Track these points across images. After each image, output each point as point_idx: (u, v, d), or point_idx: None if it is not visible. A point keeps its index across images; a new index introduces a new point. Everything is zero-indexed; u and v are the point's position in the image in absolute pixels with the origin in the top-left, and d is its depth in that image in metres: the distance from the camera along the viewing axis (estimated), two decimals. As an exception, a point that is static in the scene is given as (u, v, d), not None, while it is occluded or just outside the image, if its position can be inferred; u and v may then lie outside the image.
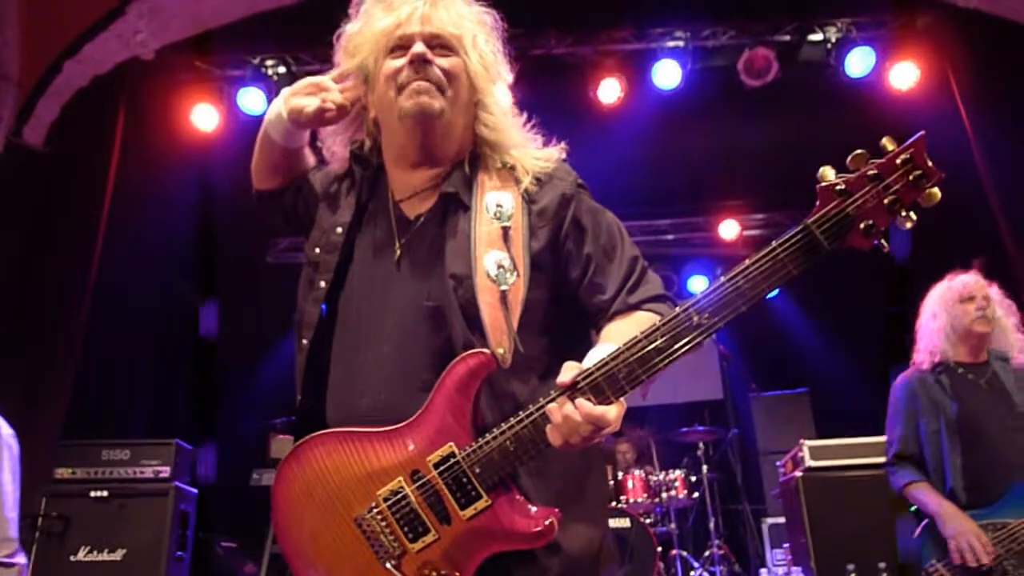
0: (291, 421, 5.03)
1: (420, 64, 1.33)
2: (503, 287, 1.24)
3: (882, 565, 3.65)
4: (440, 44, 1.36)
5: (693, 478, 5.38)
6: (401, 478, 1.23)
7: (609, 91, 5.40)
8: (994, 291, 2.77)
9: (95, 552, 4.04)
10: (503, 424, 1.19)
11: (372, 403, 1.28)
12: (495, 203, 1.32)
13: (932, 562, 2.52)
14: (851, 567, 3.75)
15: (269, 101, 5.42)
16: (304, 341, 1.37)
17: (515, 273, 1.26)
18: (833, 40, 5.16)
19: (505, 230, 1.29)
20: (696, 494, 5.33)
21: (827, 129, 5.20)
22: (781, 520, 4.62)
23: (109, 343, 6.18)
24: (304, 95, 1.40)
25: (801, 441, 4.18)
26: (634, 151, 5.68)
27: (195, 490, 4.58)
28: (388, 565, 1.23)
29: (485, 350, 1.21)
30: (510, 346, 1.22)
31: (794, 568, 4.08)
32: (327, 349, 1.36)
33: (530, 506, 1.22)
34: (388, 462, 1.24)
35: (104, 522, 4.09)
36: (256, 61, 5.33)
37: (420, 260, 1.33)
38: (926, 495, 2.60)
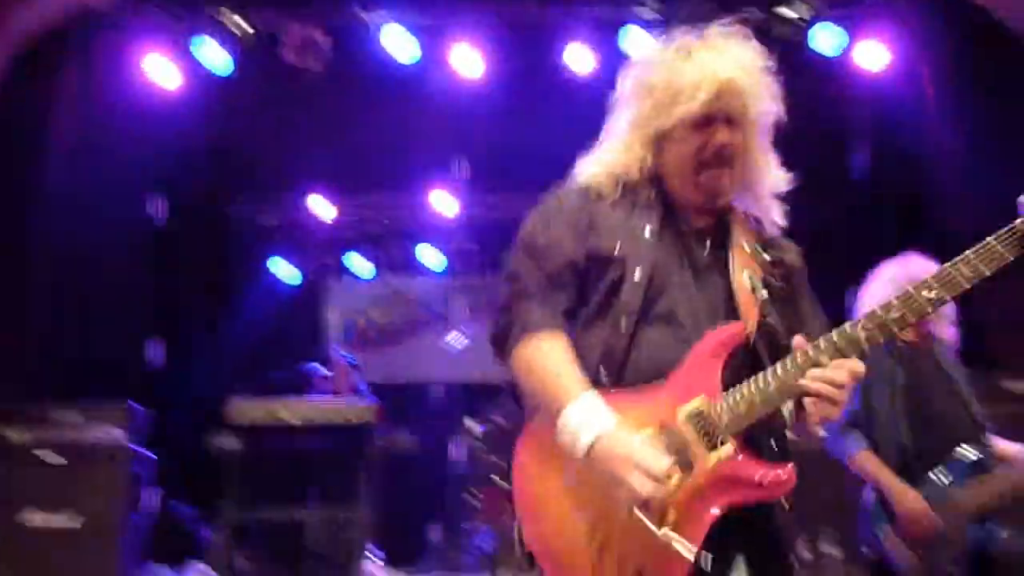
0: (252, 384, 4.98)
1: (725, 155, 1.50)
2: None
3: (828, 531, 3.77)
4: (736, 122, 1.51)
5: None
6: (651, 428, 1.34)
7: (580, 59, 5.35)
8: (932, 265, 2.79)
9: (47, 516, 3.97)
10: (750, 382, 1.35)
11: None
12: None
13: (886, 528, 2.59)
14: (826, 529, 3.86)
15: (229, 53, 5.30)
16: (624, 325, 1.43)
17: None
18: (804, 18, 5.16)
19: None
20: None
21: (795, 106, 5.23)
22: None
23: (61, 302, 6.03)
24: (647, 478, 1.29)
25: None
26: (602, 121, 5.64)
27: (150, 453, 4.51)
28: (635, 508, 1.29)
29: (739, 323, 1.41)
30: (754, 328, 1.42)
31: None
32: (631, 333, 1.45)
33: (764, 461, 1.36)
34: (641, 415, 1.35)
35: (56, 485, 4.01)
36: (214, 12, 5.18)
37: (705, 266, 1.53)
38: (870, 466, 2.66)
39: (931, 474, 2.57)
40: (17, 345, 4.79)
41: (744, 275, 1.47)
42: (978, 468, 2.55)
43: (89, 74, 5.30)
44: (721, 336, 1.40)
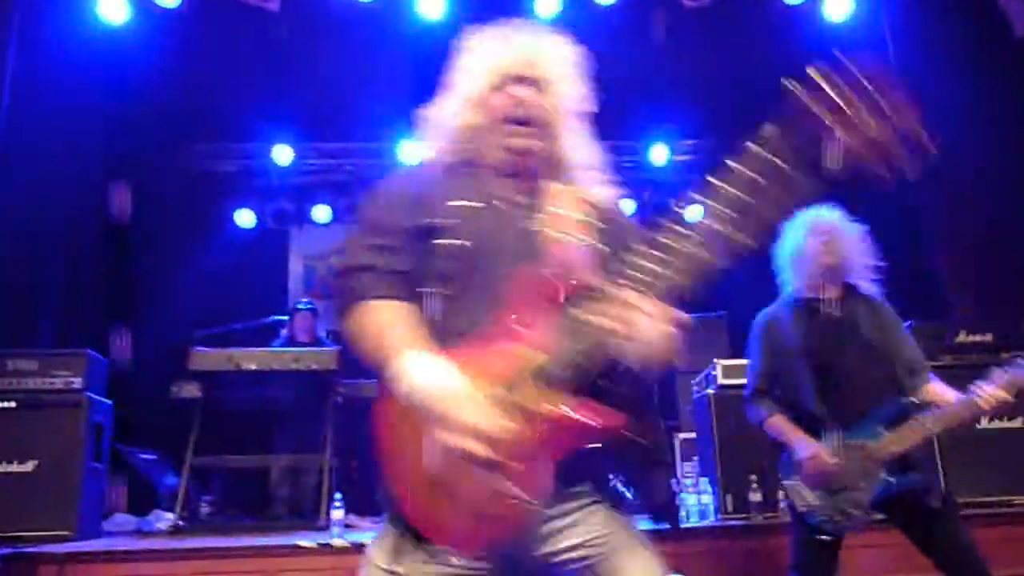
0: (210, 333, 4.94)
1: (527, 113, 1.59)
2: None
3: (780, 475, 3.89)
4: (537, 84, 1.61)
5: (612, 395, 5.56)
6: (487, 382, 1.36)
7: (545, 3, 5.29)
8: (842, 221, 2.79)
9: (4, 463, 3.94)
10: (575, 330, 1.37)
11: None
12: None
13: (793, 477, 2.67)
14: (753, 478, 4.00)
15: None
16: (453, 289, 1.52)
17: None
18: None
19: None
20: (614, 410, 5.52)
21: (761, 55, 5.25)
22: (692, 435, 4.85)
23: (14, 247, 5.87)
24: (478, 439, 1.29)
25: (715, 360, 4.36)
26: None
27: (109, 401, 4.48)
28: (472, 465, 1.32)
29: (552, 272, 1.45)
30: (570, 276, 1.45)
31: (701, 478, 4.32)
32: None
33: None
34: (478, 370, 1.38)
35: (13, 433, 3.97)
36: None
37: (524, 228, 1.58)
38: (780, 426, 2.72)
39: (845, 434, 2.60)
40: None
41: (558, 228, 1.53)
42: (896, 419, 2.56)
43: (35, 11, 5.07)
44: (545, 284, 1.43)
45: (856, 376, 2.64)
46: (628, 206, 7.48)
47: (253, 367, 4.57)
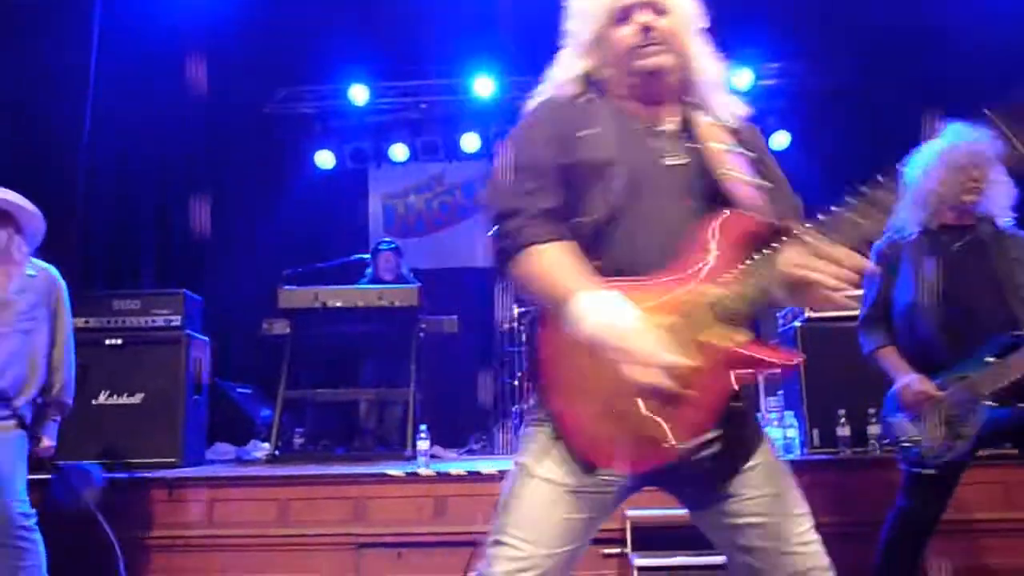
0: (297, 272, 5.10)
1: (651, 36, 1.55)
2: None
3: (871, 411, 3.79)
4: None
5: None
6: (664, 317, 1.40)
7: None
8: (990, 155, 2.48)
9: (115, 396, 4.21)
10: (754, 267, 1.41)
11: None
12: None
13: (897, 414, 2.59)
14: (841, 412, 3.90)
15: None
16: (617, 223, 1.53)
17: None
18: None
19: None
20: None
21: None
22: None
23: (112, 195, 6.16)
24: (659, 371, 1.33)
25: (802, 293, 4.22)
26: None
27: (206, 338, 4.70)
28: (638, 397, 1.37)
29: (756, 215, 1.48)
30: (766, 220, 1.50)
31: (786, 412, 4.24)
32: None
33: None
34: (654, 304, 1.41)
35: (120, 368, 4.24)
36: None
37: (681, 159, 1.59)
38: (889, 358, 2.63)
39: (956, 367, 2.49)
40: (79, 241, 4.95)
41: (727, 165, 1.51)
42: (1005, 352, 2.43)
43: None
44: (741, 224, 1.45)
45: (977, 310, 2.49)
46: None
47: (339, 304, 4.70)
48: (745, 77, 6.78)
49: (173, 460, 4.12)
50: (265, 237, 6.64)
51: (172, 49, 5.81)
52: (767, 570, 1.48)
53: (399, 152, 7.30)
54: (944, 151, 2.56)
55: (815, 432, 3.98)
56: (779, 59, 6.81)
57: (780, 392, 4.55)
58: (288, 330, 4.82)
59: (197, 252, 6.54)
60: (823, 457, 3.87)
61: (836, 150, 6.44)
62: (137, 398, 4.22)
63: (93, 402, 4.16)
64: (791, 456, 4.03)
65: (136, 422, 4.15)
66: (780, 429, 4.18)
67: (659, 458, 1.40)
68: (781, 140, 7.03)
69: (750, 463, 1.50)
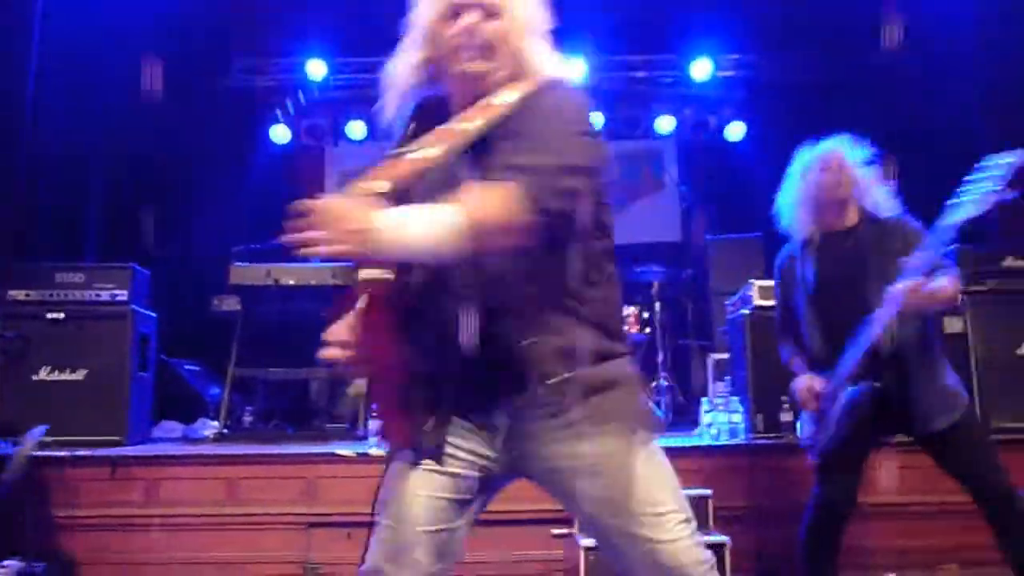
0: (250, 248, 5.02)
1: (475, 39, 1.53)
2: None
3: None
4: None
5: (646, 315, 5.56)
6: None
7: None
8: (848, 149, 2.68)
9: (57, 372, 4.10)
10: None
11: None
12: None
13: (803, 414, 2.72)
14: (785, 398, 4.00)
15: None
16: None
17: None
18: None
19: None
20: (648, 329, 5.54)
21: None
22: (726, 356, 4.85)
23: (58, 165, 5.96)
24: None
25: (750, 281, 4.31)
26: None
27: (154, 314, 4.61)
28: None
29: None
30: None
31: (732, 398, 4.34)
32: None
33: None
34: None
35: (63, 343, 4.13)
36: None
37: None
38: (795, 367, 2.78)
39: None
40: (20, 211, 4.78)
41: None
42: None
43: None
44: None
45: (850, 310, 2.53)
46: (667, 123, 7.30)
47: (292, 282, 4.65)
48: (705, 68, 6.85)
49: (117, 438, 4.03)
50: (218, 212, 6.50)
51: (126, 17, 5.62)
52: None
53: (357, 130, 7.21)
54: (808, 161, 2.71)
55: (759, 417, 4.07)
56: (738, 51, 6.89)
57: (728, 378, 4.66)
58: (239, 307, 4.74)
59: (146, 226, 6.38)
60: (767, 442, 3.98)
61: (791, 142, 6.55)
62: (80, 374, 4.11)
63: (34, 378, 4.05)
64: (736, 440, 4.13)
65: (79, 399, 4.05)
66: (726, 414, 4.28)
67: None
68: (737, 130, 7.14)
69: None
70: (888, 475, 3.40)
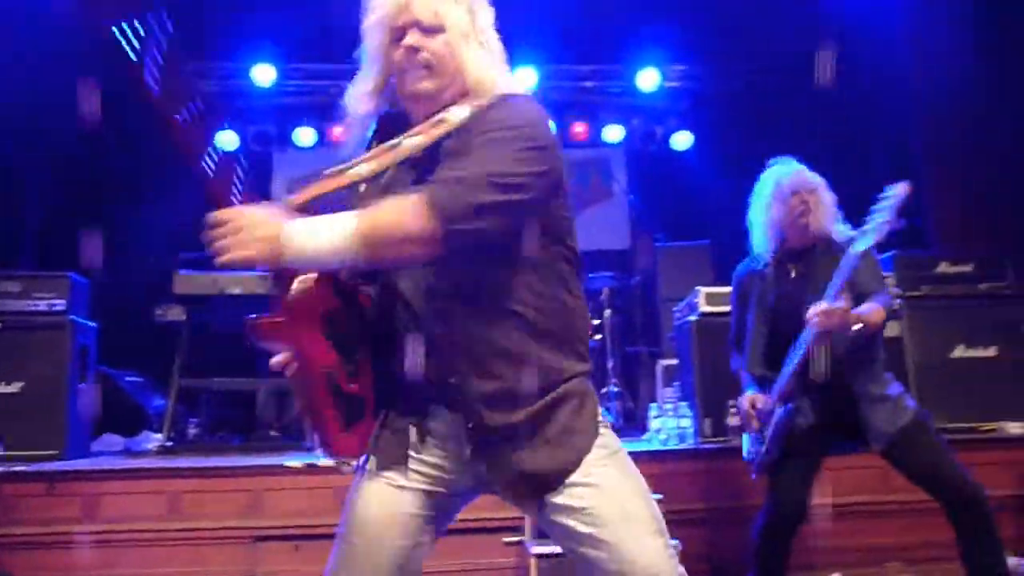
0: (197, 257, 4.91)
1: (417, 58, 1.52)
2: None
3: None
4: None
5: (596, 321, 5.61)
6: None
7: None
8: (812, 177, 2.78)
9: (-9, 383, 3.96)
10: None
11: None
12: None
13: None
14: (731, 403, 4.07)
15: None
16: None
17: None
18: None
19: None
20: (598, 336, 5.58)
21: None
22: (674, 362, 4.92)
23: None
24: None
25: (697, 288, 4.38)
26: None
27: (94, 324, 4.48)
28: None
29: None
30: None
31: (680, 403, 4.40)
32: None
33: None
34: None
35: (-1, 354, 3.98)
36: None
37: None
38: (744, 381, 2.88)
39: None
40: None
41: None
42: None
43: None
44: None
45: (796, 330, 2.60)
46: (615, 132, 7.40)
47: (238, 291, 4.56)
48: (652, 78, 6.97)
49: (55, 452, 3.90)
50: (161, 219, 6.35)
51: (66, 15, 5.46)
52: None
53: (305, 136, 7.12)
54: (774, 185, 2.80)
55: (707, 422, 4.14)
56: (685, 62, 7.02)
57: (676, 384, 4.72)
58: (184, 317, 4.64)
59: (86, 235, 6.18)
60: (715, 446, 4.04)
61: (736, 151, 6.70)
62: (16, 386, 3.97)
63: (-34, 389, 3.90)
64: (684, 445, 4.19)
65: (15, 412, 3.92)
66: (675, 419, 4.34)
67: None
68: (684, 140, 7.27)
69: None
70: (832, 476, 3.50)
